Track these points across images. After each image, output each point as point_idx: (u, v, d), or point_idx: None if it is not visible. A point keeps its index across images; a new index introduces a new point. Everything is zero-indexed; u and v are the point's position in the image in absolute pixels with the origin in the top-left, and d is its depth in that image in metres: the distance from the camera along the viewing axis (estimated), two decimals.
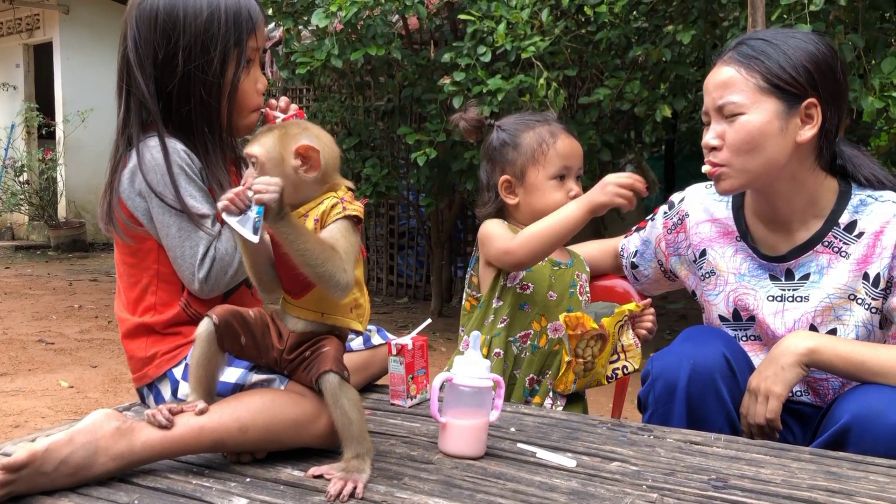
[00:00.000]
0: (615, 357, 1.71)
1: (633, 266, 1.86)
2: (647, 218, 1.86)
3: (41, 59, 10.41)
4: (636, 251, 1.85)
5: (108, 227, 1.47)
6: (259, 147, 1.22)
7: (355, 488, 1.13)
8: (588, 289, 1.80)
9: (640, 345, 1.73)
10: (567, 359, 1.63)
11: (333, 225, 1.21)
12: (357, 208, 1.23)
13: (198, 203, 1.39)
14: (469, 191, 4.72)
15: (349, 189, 1.26)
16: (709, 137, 1.54)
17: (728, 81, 1.51)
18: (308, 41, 4.72)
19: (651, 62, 4.08)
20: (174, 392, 1.39)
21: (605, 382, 1.73)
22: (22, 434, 2.64)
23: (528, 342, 1.71)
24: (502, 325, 1.71)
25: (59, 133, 9.88)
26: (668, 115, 3.96)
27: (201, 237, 1.38)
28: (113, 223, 1.44)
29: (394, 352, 1.57)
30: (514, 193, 1.75)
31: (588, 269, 1.83)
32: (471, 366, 1.31)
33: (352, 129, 5.33)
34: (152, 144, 1.41)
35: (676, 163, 8.64)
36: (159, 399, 1.41)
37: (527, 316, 1.70)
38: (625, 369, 1.73)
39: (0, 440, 2.83)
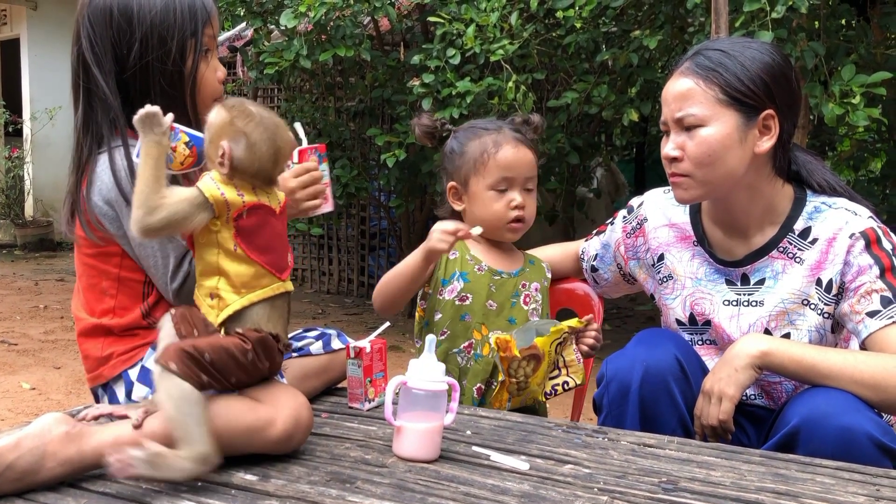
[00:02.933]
0: (556, 373, 1.68)
1: (593, 269, 1.88)
2: (608, 222, 1.88)
3: (8, 56, 10.25)
4: (596, 255, 1.87)
5: (69, 229, 1.46)
6: (214, 115, 1.27)
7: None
8: (540, 297, 1.78)
9: (582, 360, 1.70)
10: (500, 378, 1.61)
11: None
12: (212, 191, 1.23)
13: None
14: (439, 193, 4.72)
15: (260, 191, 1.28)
16: (669, 149, 1.56)
17: (687, 93, 1.52)
18: (278, 41, 4.70)
19: (619, 66, 4.12)
20: (128, 394, 1.38)
21: (543, 399, 1.70)
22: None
23: (472, 352, 1.71)
24: (443, 336, 1.71)
25: (26, 131, 9.74)
26: (635, 119, 3.99)
27: (175, 247, 1.37)
28: (80, 224, 1.42)
29: (352, 355, 1.57)
30: (460, 200, 1.78)
31: (548, 276, 1.83)
32: (426, 369, 1.31)
33: (322, 129, 5.32)
34: (119, 156, 1.40)
35: (647, 166, 8.73)
36: (114, 400, 1.40)
37: (467, 326, 1.71)
38: (565, 385, 1.69)
39: None
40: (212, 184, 1.24)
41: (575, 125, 4.71)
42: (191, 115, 1.48)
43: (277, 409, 1.26)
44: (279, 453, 1.28)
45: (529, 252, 1.87)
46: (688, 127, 1.52)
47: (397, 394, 1.33)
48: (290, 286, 1.32)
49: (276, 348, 1.29)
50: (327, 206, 1.58)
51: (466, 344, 1.71)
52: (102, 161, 1.41)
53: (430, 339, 1.35)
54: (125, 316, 1.42)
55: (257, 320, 1.27)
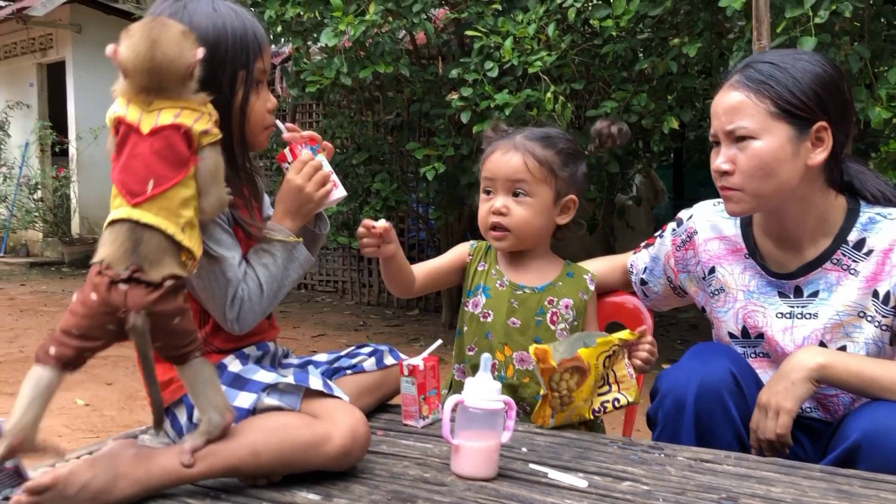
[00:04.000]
0: (605, 388, 1.60)
1: (643, 283, 1.87)
2: (656, 234, 1.88)
3: (54, 78, 10.53)
4: (645, 268, 1.87)
5: None
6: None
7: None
8: (571, 315, 1.70)
9: (634, 376, 1.61)
10: (542, 392, 1.54)
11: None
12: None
13: (223, 248, 1.40)
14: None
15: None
16: (720, 162, 1.54)
17: (738, 106, 1.51)
18: (318, 58, 4.77)
19: (657, 74, 4.11)
20: (189, 417, 1.41)
21: (590, 416, 1.60)
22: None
23: (496, 372, 1.66)
24: (472, 353, 1.69)
25: (72, 150, 9.99)
26: (675, 127, 3.97)
27: (229, 280, 1.39)
28: None
29: (405, 372, 1.59)
30: None
31: (590, 289, 1.76)
32: (482, 388, 1.33)
33: (361, 144, 5.38)
34: None
35: (685, 171, 8.65)
36: (176, 423, 1.43)
37: (491, 345, 1.66)
38: (616, 402, 1.60)
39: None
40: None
41: None
42: (238, 146, 1.48)
43: (334, 424, 1.29)
44: (338, 469, 1.30)
45: (577, 264, 1.83)
46: (739, 139, 1.51)
47: (454, 412, 1.34)
48: (137, 214, 1.16)
49: (103, 282, 1.14)
50: (339, 191, 1.54)
51: (492, 363, 1.64)
52: None
53: (486, 357, 1.36)
54: None
55: (102, 243, 1.18)
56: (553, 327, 1.67)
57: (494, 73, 3.98)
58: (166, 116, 1.20)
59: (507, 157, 1.67)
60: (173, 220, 1.18)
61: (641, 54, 4.25)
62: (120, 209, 1.17)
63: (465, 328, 1.72)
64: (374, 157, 5.35)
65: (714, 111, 1.57)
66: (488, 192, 1.71)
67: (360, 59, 4.35)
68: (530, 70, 3.89)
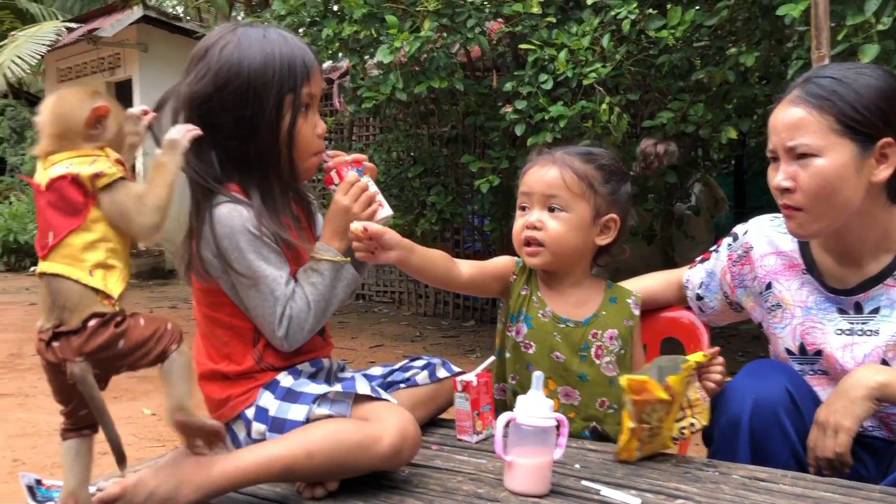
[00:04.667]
0: (680, 414, 1.51)
1: (699, 298, 1.86)
2: (712, 249, 1.86)
3: (122, 96, 10.89)
4: (701, 283, 1.85)
5: (187, 280, 1.52)
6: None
7: None
8: (616, 346, 1.64)
9: (707, 399, 1.53)
10: (630, 425, 1.44)
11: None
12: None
13: (271, 266, 1.45)
14: None
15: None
16: (780, 179, 1.52)
17: (799, 123, 1.49)
18: (374, 74, 4.85)
19: (715, 84, 4.06)
20: (248, 433, 1.45)
21: (672, 445, 1.51)
22: (109, 461, 2.75)
23: None
24: (514, 382, 1.65)
25: (139, 166, 10.28)
26: (733, 137, 3.92)
27: (277, 298, 1.44)
28: (194, 275, 1.51)
29: (459, 388, 1.61)
30: None
31: (635, 314, 1.70)
32: (534, 405, 1.34)
33: (417, 157, 5.43)
34: (224, 211, 1.44)
35: (746, 178, 8.49)
36: (236, 441, 1.48)
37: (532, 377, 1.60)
38: (692, 427, 1.52)
39: None
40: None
41: None
42: (286, 170, 1.51)
43: (383, 425, 1.32)
44: (390, 468, 1.34)
45: (621, 284, 1.76)
46: (800, 157, 1.49)
47: (507, 428, 1.36)
48: (45, 266, 1.24)
49: (41, 347, 1.24)
50: (385, 210, 1.56)
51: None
52: (209, 215, 1.45)
53: (538, 375, 1.38)
54: (240, 363, 1.50)
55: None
56: (598, 361, 1.62)
57: (549, 86, 3.99)
58: (58, 168, 1.25)
59: (543, 171, 1.63)
60: (77, 265, 1.23)
61: (698, 64, 4.21)
62: (38, 264, 1.26)
63: (508, 354, 1.67)
64: (430, 169, 5.40)
65: (773, 127, 1.54)
66: (524, 208, 1.66)
67: (416, 74, 4.40)
68: (585, 82, 3.89)
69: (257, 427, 1.43)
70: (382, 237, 1.46)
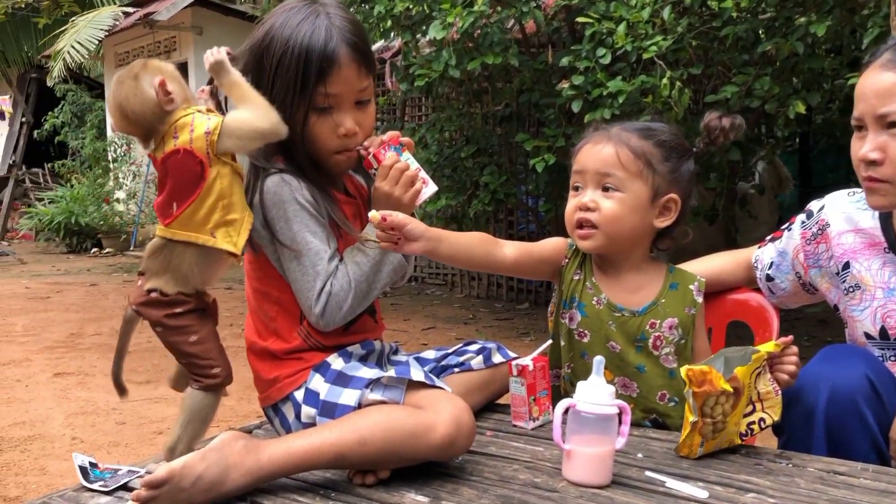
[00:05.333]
0: (749, 408, 1.40)
1: (769, 279, 1.76)
2: (783, 227, 1.75)
3: None
4: (771, 263, 1.75)
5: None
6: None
7: None
8: (676, 335, 1.55)
9: (779, 392, 1.41)
10: (692, 419, 1.34)
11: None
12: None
13: (316, 239, 1.41)
14: None
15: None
16: (867, 150, 1.41)
17: (892, 88, 1.37)
18: (427, 52, 4.78)
19: (782, 56, 3.88)
20: (297, 415, 1.42)
21: (739, 441, 1.41)
22: (162, 440, 2.77)
23: None
24: (569, 370, 1.58)
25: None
26: (802, 112, 3.74)
27: (318, 272, 1.40)
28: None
29: (514, 372, 1.55)
30: None
31: (698, 301, 1.59)
32: (594, 392, 1.27)
33: (470, 137, 5.35)
34: (274, 181, 1.42)
35: (812, 157, 8.20)
36: (285, 423, 1.45)
37: (588, 366, 1.42)
38: (761, 423, 1.41)
39: (144, 446, 3.00)
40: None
41: None
42: (305, 165, 1.45)
43: (437, 413, 1.28)
44: (443, 459, 1.29)
45: (682, 266, 1.65)
46: (891, 125, 1.38)
47: (566, 415, 1.29)
48: (168, 233, 1.36)
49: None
50: (430, 188, 1.49)
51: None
52: (260, 185, 1.44)
53: (599, 360, 1.30)
54: (288, 340, 1.47)
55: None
56: (656, 352, 1.53)
57: (607, 60, 3.87)
58: (169, 143, 1.34)
59: (598, 148, 1.52)
60: (201, 230, 1.36)
61: (764, 35, 4.03)
62: (158, 230, 1.40)
63: (562, 342, 1.60)
64: (483, 149, 5.29)
65: (861, 93, 1.43)
66: (577, 188, 1.55)
67: (469, 51, 4.32)
68: (645, 56, 3.76)
69: (307, 411, 1.40)
70: (405, 227, 1.36)
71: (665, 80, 3.76)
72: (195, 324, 1.41)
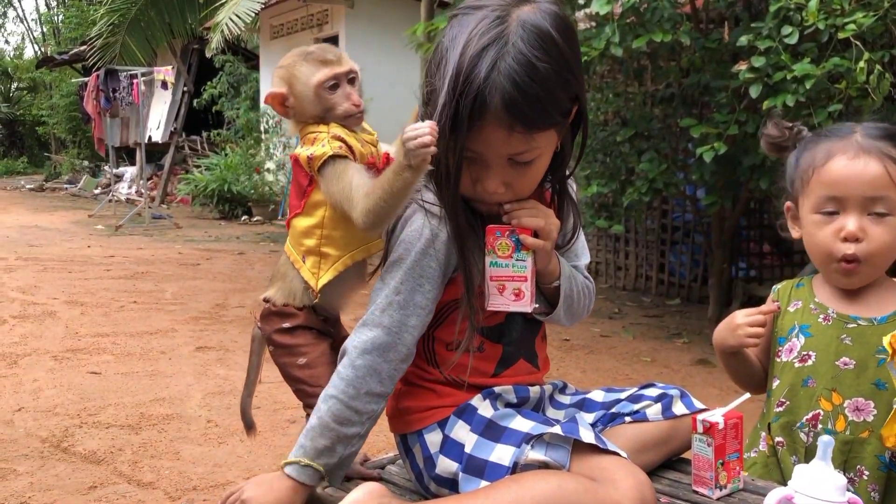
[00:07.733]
0: None
1: None
2: None
3: None
4: None
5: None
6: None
7: None
8: None
9: None
10: None
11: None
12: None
13: (418, 297, 1.20)
14: (761, 189, 4.17)
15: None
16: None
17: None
18: (583, 27, 4.45)
19: None
20: (431, 463, 1.20)
21: None
22: (296, 430, 2.68)
23: (820, 426, 1.33)
24: (781, 408, 1.38)
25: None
26: None
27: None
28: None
29: (700, 430, 1.27)
30: (797, 225, 1.41)
31: None
32: (819, 480, 0.98)
33: (627, 119, 4.97)
34: (418, 222, 1.23)
35: None
36: (415, 468, 1.25)
37: (811, 394, 1.34)
38: None
39: (277, 436, 2.92)
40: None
41: None
42: (455, 201, 1.20)
43: (616, 489, 1.05)
44: None
45: None
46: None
47: None
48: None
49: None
50: (521, 303, 1.21)
51: (811, 415, 1.34)
52: (400, 219, 1.29)
53: (826, 441, 1.01)
54: (423, 368, 1.26)
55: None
56: None
57: (793, 40, 3.42)
58: (298, 148, 1.29)
59: (857, 165, 1.31)
60: (297, 248, 1.31)
61: None
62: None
63: (776, 382, 1.39)
64: (641, 133, 4.89)
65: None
66: (830, 213, 1.33)
67: (633, 27, 3.95)
68: (840, 35, 3.29)
69: (446, 465, 1.18)
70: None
71: (862, 64, 3.28)
72: (306, 344, 1.28)
